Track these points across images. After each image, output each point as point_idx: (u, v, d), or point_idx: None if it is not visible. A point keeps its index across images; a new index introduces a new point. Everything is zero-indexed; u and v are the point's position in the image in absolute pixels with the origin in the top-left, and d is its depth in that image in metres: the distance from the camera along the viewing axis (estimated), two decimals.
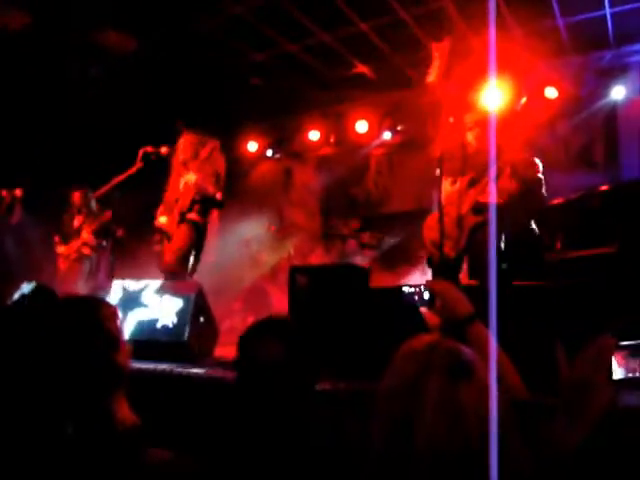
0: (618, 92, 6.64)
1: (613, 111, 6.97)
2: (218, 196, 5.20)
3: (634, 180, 5.84)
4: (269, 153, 9.19)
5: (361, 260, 7.07)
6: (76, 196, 6.41)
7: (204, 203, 5.20)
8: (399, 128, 8.09)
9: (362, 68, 7.59)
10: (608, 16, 6.21)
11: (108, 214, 6.26)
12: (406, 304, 2.69)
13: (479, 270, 4.17)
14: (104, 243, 6.35)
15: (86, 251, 6.32)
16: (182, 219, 5.12)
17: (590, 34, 6.56)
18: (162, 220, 5.22)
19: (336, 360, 2.53)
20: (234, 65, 7.50)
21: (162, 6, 6.08)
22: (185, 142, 5.47)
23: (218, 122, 8.93)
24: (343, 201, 8.90)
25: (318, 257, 7.69)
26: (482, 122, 4.41)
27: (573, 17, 6.28)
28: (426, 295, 1.95)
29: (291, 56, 7.30)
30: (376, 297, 2.86)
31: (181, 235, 5.08)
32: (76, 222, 6.45)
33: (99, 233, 6.32)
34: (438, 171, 3.88)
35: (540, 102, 6.94)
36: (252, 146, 9.00)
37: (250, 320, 5.68)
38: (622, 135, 6.95)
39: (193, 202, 5.13)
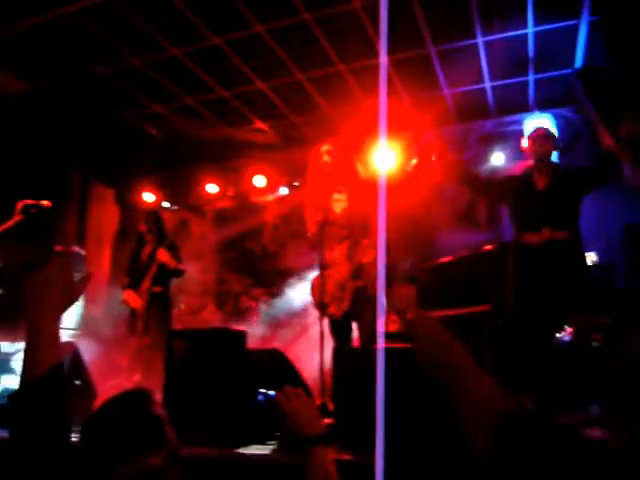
0: (498, 158, 7.09)
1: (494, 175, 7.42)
2: (181, 267, 5.78)
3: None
4: (165, 204, 8.98)
5: (254, 318, 7.01)
6: None
7: (167, 275, 5.74)
8: (296, 184, 8.20)
9: (260, 124, 7.71)
10: (488, 89, 6.71)
11: None
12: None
13: (363, 331, 4.27)
14: None
15: None
16: (150, 295, 5.62)
17: (473, 104, 7.05)
18: (130, 298, 5.68)
19: (209, 426, 2.48)
20: (131, 114, 7.42)
21: (53, 48, 5.94)
22: (144, 216, 6.16)
23: (113, 170, 8.75)
24: (239, 255, 8.85)
25: (210, 313, 7.53)
26: (360, 187, 4.53)
27: (457, 88, 6.74)
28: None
29: (189, 108, 7.31)
30: (253, 360, 2.85)
31: (154, 316, 5.57)
32: None
33: None
34: (318, 235, 3.96)
35: (430, 164, 7.29)
36: (148, 197, 8.76)
37: (137, 378, 5.47)
38: None
39: (158, 275, 5.64)
